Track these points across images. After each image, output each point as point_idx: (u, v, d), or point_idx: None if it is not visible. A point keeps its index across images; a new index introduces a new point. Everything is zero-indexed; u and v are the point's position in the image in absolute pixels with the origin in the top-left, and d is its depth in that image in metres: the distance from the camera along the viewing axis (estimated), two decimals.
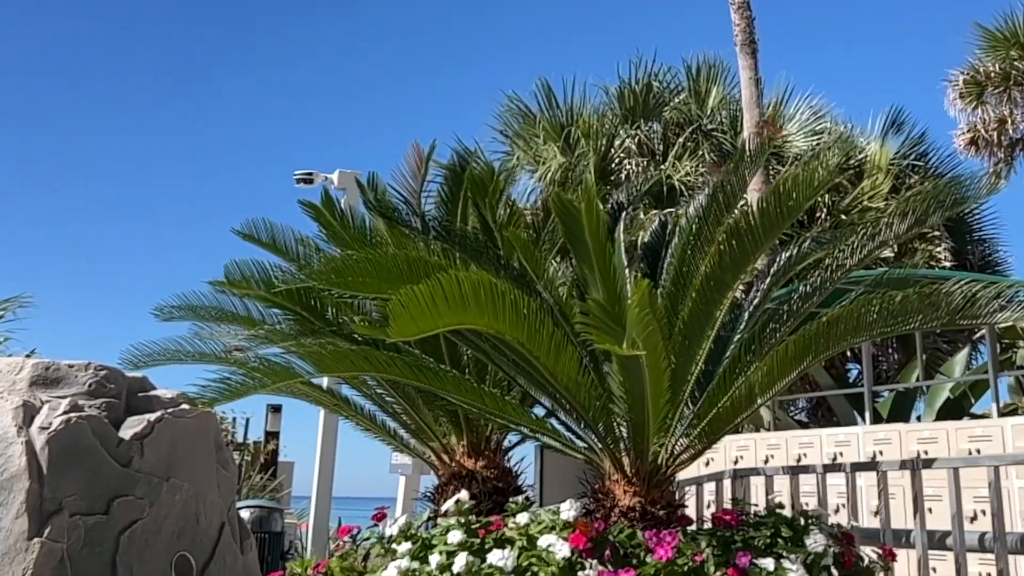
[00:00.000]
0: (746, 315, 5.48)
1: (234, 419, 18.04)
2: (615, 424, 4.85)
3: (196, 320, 5.86)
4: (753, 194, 12.30)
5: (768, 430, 11.10)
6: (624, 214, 6.09)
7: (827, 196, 14.34)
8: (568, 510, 4.53)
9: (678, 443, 5.01)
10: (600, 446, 4.95)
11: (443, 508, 4.63)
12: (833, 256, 5.22)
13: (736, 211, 4.74)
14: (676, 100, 15.86)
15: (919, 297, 4.22)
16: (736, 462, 10.24)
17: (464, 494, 4.64)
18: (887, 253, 13.46)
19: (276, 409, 16.10)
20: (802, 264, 5.58)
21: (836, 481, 6.60)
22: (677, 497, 5.04)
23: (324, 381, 7.09)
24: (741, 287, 5.60)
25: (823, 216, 13.79)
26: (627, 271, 5.91)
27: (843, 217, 13.64)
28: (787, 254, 5.76)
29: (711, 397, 4.80)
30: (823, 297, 4.95)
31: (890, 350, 14.30)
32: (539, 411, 5.57)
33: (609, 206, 6.14)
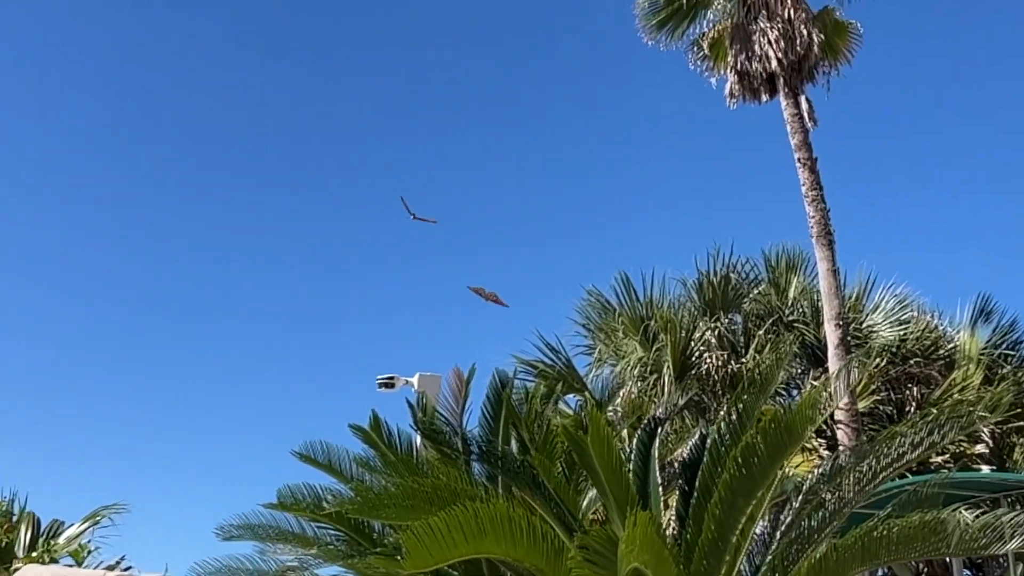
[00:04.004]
0: (778, 534, 5.53)
1: None
2: None
3: (255, 539, 6.24)
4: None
5: None
6: (660, 429, 6.29)
7: (916, 389, 14.07)
8: None
9: None
10: None
11: None
12: (859, 471, 5.28)
13: (745, 438, 4.90)
14: (755, 291, 15.98)
15: (920, 527, 4.26)
16: None
17: None
18: (981, 449, 13.01)
19: None
20: (837, 478, 5.62)
21: None
22: None
23: None
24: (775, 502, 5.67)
25: (911, 409, 13.50)
26: (660, 490, 6.04)
27: (933, 410, 13.32)
28: (820, 470, 5.84)
29: None
30: (842, 521, 4.99)
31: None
32: None
33: (646, 422, 6.35)
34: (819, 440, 12.96)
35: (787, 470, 11.08)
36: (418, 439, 6.59)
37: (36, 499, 13.97)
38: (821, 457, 11.36)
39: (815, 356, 14.67)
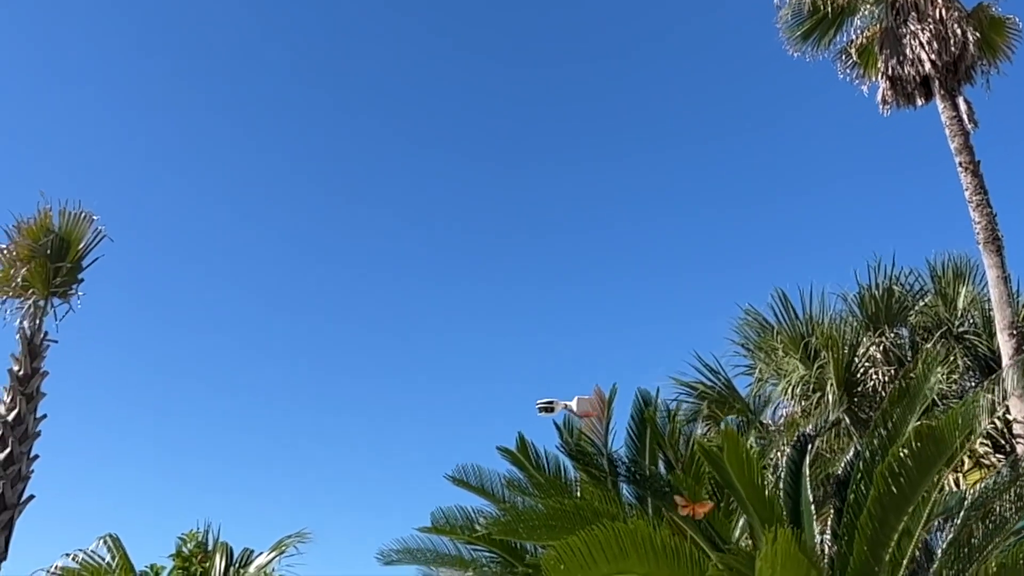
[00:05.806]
0: (939, 551, 5.35)
1: None
2: None
3: (414, 563, 6.49)
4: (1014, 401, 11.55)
5: None
6: (811, 446, 6.17)
7: None
8: None
9: None
10: None
11: None
12: (1020, 485, 5.06)
13: (892, 452, 4.77)
14: (921, 303, 15.29)
15: None
16: None
17: None
18: None
19: None
20: (1003, 493, 5.40)
21: None
22: None
23: None
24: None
25: None
26: (813, 508, 5.93)
27: None
28: (983, 484, 5.63)
29: None
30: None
31: None
32: None
33: (796, 439, 6.25)
34: (998, 456, 12.25)
35: (961, 485, 10.55)
36: (567, 460, 6.71)
37: (228, 529, 14.82)
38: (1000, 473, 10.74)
39: (989, 368, 13.89)
